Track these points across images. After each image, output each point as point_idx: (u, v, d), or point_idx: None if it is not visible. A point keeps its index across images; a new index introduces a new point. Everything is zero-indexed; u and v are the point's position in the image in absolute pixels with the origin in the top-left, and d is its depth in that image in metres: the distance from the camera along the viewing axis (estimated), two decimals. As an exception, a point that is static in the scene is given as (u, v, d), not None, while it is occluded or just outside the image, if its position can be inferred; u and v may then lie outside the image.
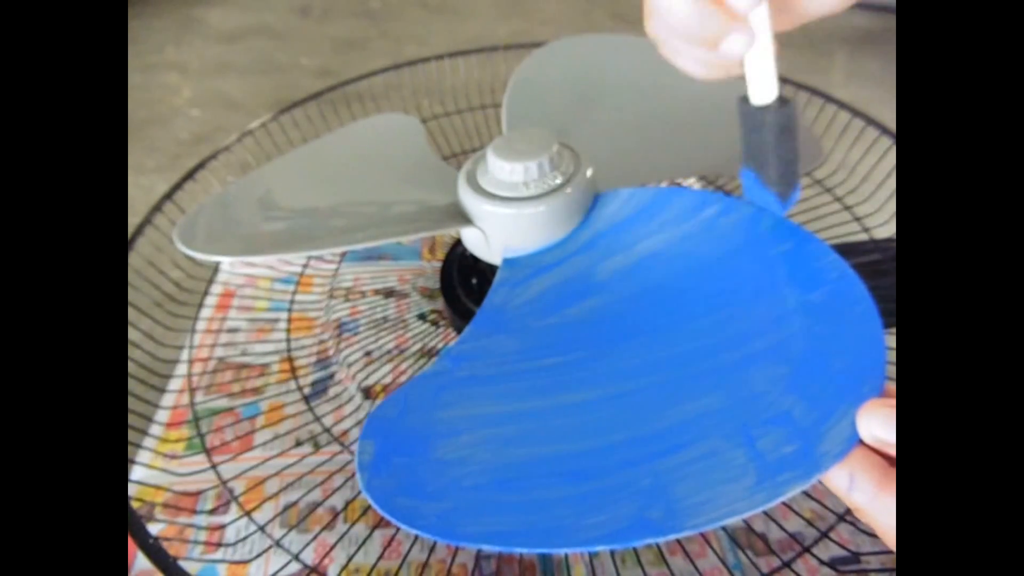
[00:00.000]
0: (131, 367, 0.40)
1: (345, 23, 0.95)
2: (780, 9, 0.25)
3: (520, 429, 0.26)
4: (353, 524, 0.34)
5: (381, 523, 0.34)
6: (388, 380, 0.42)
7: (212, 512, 0.36)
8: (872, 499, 0.21)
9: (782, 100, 0.26)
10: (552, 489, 0.23)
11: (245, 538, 0.35)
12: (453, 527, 0.23)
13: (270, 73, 0.85)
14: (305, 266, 0.49)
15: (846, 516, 0.33)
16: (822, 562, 0.32)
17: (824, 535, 0.32)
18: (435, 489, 0.24)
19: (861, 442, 0.21)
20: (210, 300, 0.48)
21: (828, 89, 0.50)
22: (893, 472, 0.21)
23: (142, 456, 0.38)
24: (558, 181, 0.32)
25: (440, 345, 0.42)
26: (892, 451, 0.21)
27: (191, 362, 0.43)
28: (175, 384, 0.43)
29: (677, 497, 0.22)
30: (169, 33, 0.93)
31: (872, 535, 0.33)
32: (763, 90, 0.26)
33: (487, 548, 0.22)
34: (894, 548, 0.20)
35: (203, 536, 0.35)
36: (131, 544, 0.30)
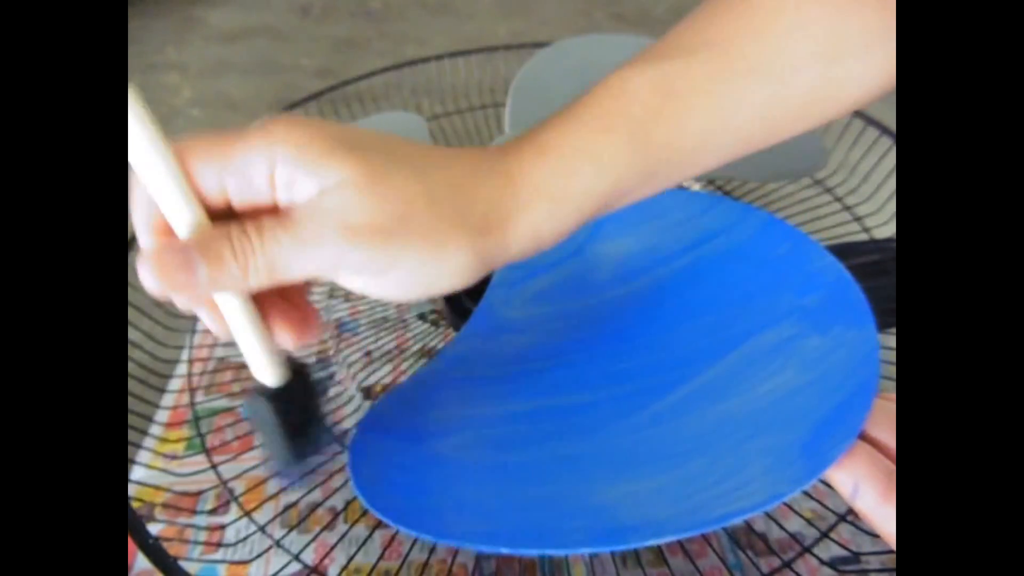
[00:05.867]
0: (131, 367, 0.40)
1: (345, 23, 0.94)
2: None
3: (516, 430, 0.25)
4: (353, 524, 0.34)
5: (381, 523, 0.34)
6: (388, 380, 0.42)
7: (212, 512, 0.36)
8: (875, 507, 0.21)
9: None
10: (548, 490, 0.23)
11: (245, 538, 0.35)
12: (449, 528, 0.22)
13: (270, 73, 0.85)
14: (305, 266, 0.49)
15: (846, 516, 0.33)
16: (822, 562, 0.32)
17: (824, 535, 0.32)
18: (430, 490, 0.24)
19: (864, 442, 0.21)
20: (210, 300, 0.48)
21: (828, 89, 0.50)
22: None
23: (142, 456, 0.38)
24: (558, 181, 0.32)
25: (440, 345, 0.42)
26: (892, 450, 0.21)
27: (191, 362, 0.43)
28: (175, 384, 0.43)
29: (678, 497, 0.22)
30: (169, 33, 0.93)
31: (872, 535, 0.33)
32: (259, 372, 0.23)
33: (485, 550, 0.22)
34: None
35: (203, 536, 0.35)
36: (131, 544, 0.30)
